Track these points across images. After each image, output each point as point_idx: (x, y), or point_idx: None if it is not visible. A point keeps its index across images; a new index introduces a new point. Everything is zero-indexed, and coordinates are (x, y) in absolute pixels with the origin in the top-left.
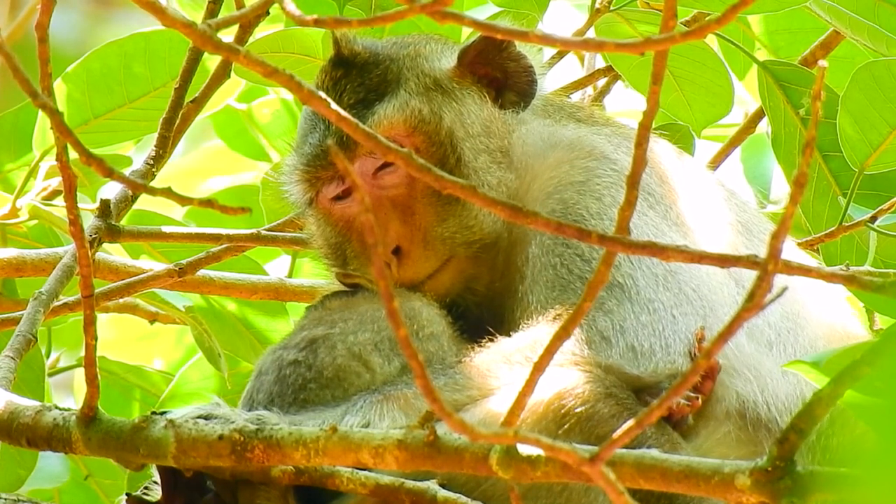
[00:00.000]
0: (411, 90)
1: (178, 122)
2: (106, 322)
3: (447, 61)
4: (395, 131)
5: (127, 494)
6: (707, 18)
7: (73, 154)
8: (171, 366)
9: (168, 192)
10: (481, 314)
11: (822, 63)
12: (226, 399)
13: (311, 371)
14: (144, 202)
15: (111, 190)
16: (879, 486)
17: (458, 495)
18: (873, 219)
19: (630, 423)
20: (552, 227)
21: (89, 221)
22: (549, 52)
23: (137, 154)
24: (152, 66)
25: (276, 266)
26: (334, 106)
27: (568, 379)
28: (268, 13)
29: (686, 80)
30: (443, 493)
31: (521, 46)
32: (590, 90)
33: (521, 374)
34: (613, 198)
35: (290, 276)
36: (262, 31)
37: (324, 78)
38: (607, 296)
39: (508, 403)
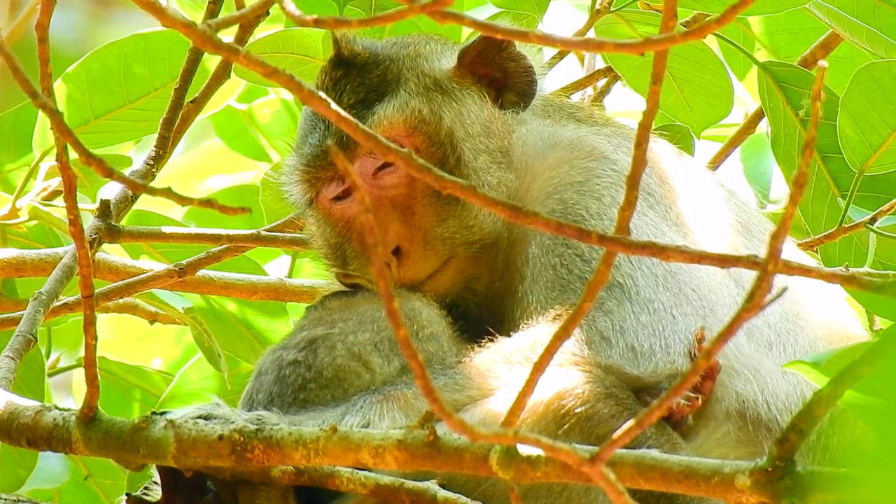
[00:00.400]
0: (411, 90)
1: (178, 122)
2: (106, 322)
3: (447, 61)
4: (395, 131)
5: (127, 494)
6: (707, 19)
7: (73, 154)
8: (170, 366)
9: (168, 193)
10: (481, 314)
11: (822, 64)
12: (226, 399)
13: (310, 371)
14: (144, 202)
15: (111, 190)
16: (879, 486)
17: (457, 495)
18: (873, 220)
19: (630, 423)
20: (552, 227)
21: (89, 222)
22: (549, 52)
23: (137, 154)
24: (152, 67)
25: (276, 266)
26: (334, 106)
27: (568, 379)
28: (268, 13)
29: (686, 81)
30: (443, 494)
31: (521, 47)
32: (590, 90)
33: (521, 375)
34: (613, 198)
35: (289, 276)
36: (262, 31)
37: (324, 78)
38: (607, 296)
39: (508, 403)
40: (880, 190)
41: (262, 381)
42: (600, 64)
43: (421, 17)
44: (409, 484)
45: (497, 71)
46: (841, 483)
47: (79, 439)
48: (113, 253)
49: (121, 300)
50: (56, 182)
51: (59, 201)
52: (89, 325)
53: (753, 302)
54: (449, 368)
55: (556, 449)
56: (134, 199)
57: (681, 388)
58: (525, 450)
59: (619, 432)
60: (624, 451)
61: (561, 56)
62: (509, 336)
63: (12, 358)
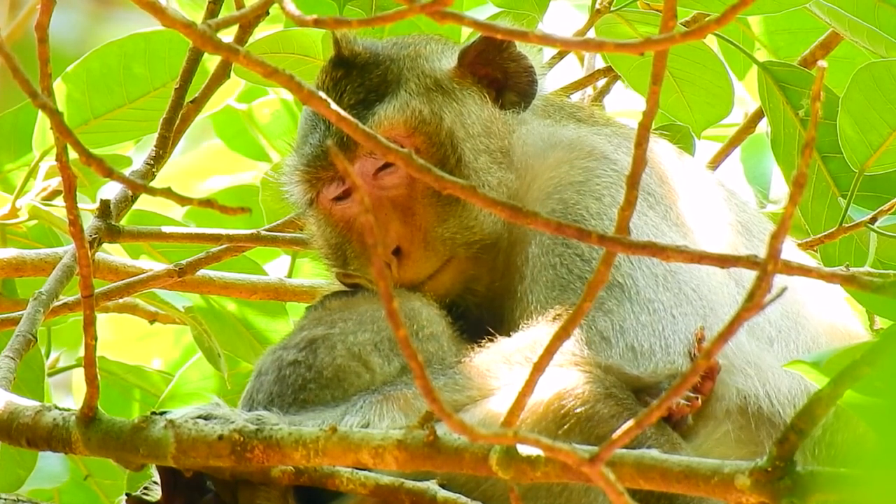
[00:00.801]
0: (412, 91)
1: (177, 122)
2: (105, 322)
3: (447, 62)
4: (395, 132)
5: (127, 494)
6: (707, 19)
7: (72, 154)
8: (170, 366)
9: (168, 192)
10: (481, 314)
11: (822, 64)
12: (225, 399)
13: (310, 371)
14: (144, 202)
15: (111, 190)
16: (879, 486)
17: (457, 495)
18: (873, 220)
19: (630, 423)
20: (552, 227)
21: (89, 221)
22: (550, 52)
23: (137, 154)
24: (152, 67)
25: (276, 266)
26: (334, 106)
27: (568, 379)
28: (268, 13)
29: (686, 81)
30: (442, 494)
31: (521, 47)
32: (589, 90)
33: (520, 375)
34: (613, 198)
35: (289, 276)
36: (261, 31)
37: (324, 78)
38: (607, 296)
39: (508, 404)
40: (880, 189)
41: (262, 381)
42: (600, 64)
43: (421, 17)
44: (409, 484)
45: (497, 71)
46: (841, 483)
47: (79, 439)
48: (113, 253)
49: (121, 300)
50: (56, 182)
51: (59, 201)
52: (89, 325)
53: (753, 302)
54: (449, 368)
55: (556, 449)
56: (134, 199)
57: (681, 388)
58: (525, 450)
59: (618, 432)
60: (624, 451)
61: (561, 56)
62: (509, 336)
63: (12, 358)
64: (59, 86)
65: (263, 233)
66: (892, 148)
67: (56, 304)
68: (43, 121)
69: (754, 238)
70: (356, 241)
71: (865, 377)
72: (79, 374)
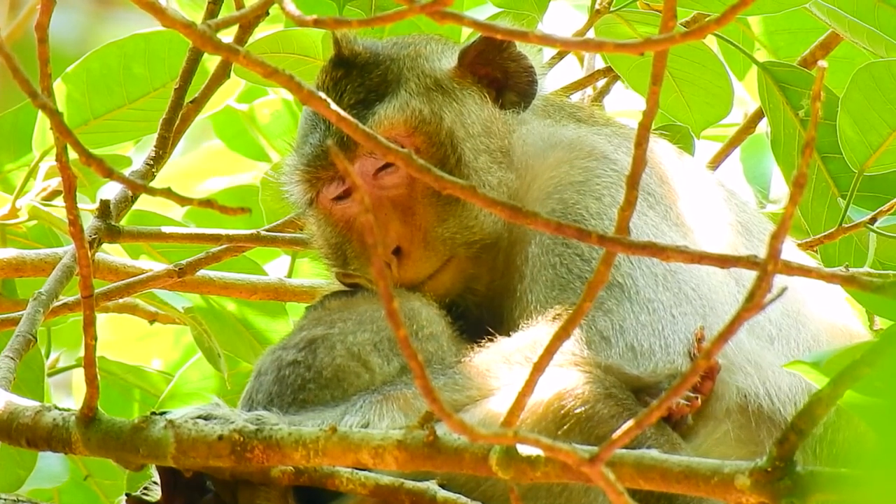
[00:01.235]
0: (412, 90)
1: (177, 122)
2: (105, 322)
3: (447, 61)
4: (395, 132)
5: (127, 494)
6: (707, 19)
7: (72, 154)
8: (170, 366)
9: (168, 193)
10: (481, 314)
11: (822, 64)
12: (225, 399)
13: (310, 371)
14: (144, 202)
15: (111, 190)
16: (879, 486)
17: (457, 495)
18: (873, 220)
19: (630, 423)
20: (552, 227)
21: (89, 222)
22: (549, 52)
23: (137, 154)
24: (152, 67)
25: (276, 266)
26: (334, 106)
27: (568, 379)
28: (267, 13)
29: (686, 81)
30: (442, 494)
31: (521, 47)
32: (589, 90)
33: (520, 375)
34: (613, 198)
35: (289, 276)
36: (261, 31)
37: (324, 78)
38: (607, 296)
39: (508, 404)
40: (880, 190)
41: (261, 382)
42: (600, 64)
43: (421, 17)
44: (409, 484)
45: (497, 71)
46: (841, 483)
47: (78, 439)
48: (113, 253)
49: (121, 300)
50: (56, 182)
51: (59, 201)
52: (89, 325)
53: (753, 302)
54: (448, 368)
55: (556, 449)
56: (134, 199)
57: (680, 388)
58: (525, 450)
59: (618, 432)
60: (624, 451)
61: (561, 56)
62: (509, 336)
63: (12, 358)
64: (59, 86)
65: (263, 233)
66: (891, 148)
67: (56, 304)
68: (43, 121)
69: (754, 238)
70: (356, 241)
71: (865, 377)
72: (79, 374)
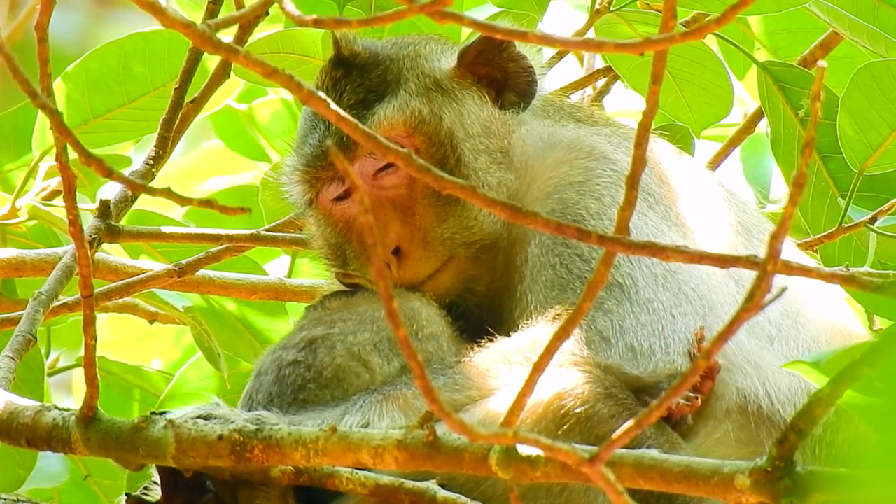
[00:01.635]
0: (411, 91)
1: (177, 122)
2: (105, 322)
3: (447, 62)
4: (395, 132)
5: (126, 494)
6: (706, 19)
7: (72, 154)
8: (170, 366)
9: (168, 193)
10: (481, 314)
11: (822, 64)
12: (225, 399)
13: (310, 371)
14: (144, 202)
15: (111, 190)
16: (879, 486)
17: (457, 495)
18: (873, 220)
19: (629, 423)
20: (552, 227)
21: (89, 221)
22: (549, 52)
23: (137, 154)
24: (152, 67)
25: (276, 266)
26: (334, 106)
27: (567, 379)
28: (267, 13)
29: (685, 81)
30: (442, 494)
31: (520, 47)
32: (589, 90)
33: (520, 375)
34: (613, 198)
35: (289, 276)
36: (261, 31)
37: (324, 78)
38: (607, 296)
39: (508, 404)
40: (880, 189)
41: (261, 381)
42: (600, 64)
43: (421, 17)
44: (409, 484)
45: (497, 71)
46: (841, 483)
47: (78, 439)
48: (113, 253)
49: (121, 300)
50: (56, 182)
51: (59, 201)
52: (89, 325)
53: (753, 302)
54: (448, 368)
55: (556, 449)
56: (134, 199)
57: (680, 388)
58: (525, 450)
59: (618, 432)
60: (623, 451)
61: (560, 56)
62: (509, 336)
63: (12, 358)
64: (58, 86)
65: (263, 233)
66: (891, 148)
67: (56, 304)
68: (43, 121)
69: (754, 238)
70: (356, 241)
71: (865, 377)
72: (79, 374)
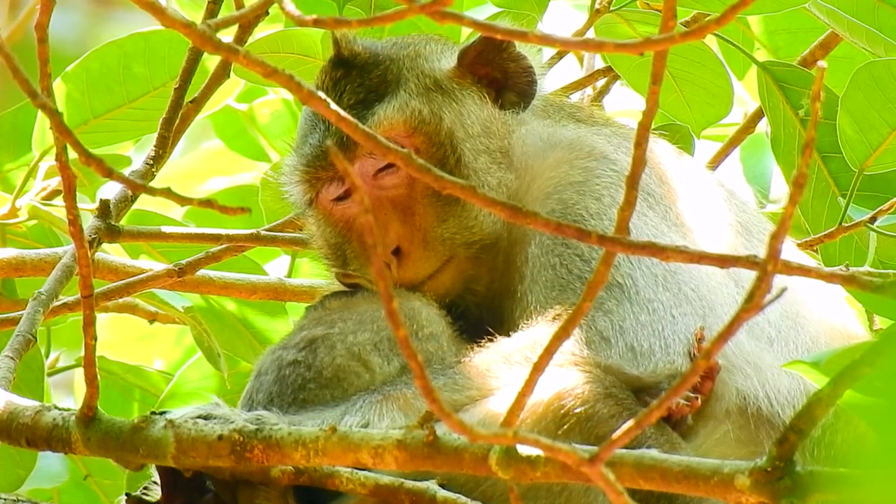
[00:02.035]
0: (411, 91)
1: (177, 122)
2: (105, 322)
3: (447, 62)
4: (395, 132)
5: (126, 494)
6: (706, 19)
7: (72, 154)
8: (170, 366)
9: (167, 193)
10: (481, 314)
11: (822, 64)
12: (225, 399)
13: (310, 371)
14: (144, 202)
15: (111, 190)
16: (879, 486)
17: (457, 495)
18: (873, 219)
19: (629, 423)
20: (552, 228)
21: (89, 221)
22: (549, 52)
23: (137, 154)
24: (152, 66)
25: (276, 266)
26: (334, 106)
27: (567, 379)
28: (267, 13)
29: (685, 81)
30: (442, 493)
31: (520, 47)
32: (589, 90)
33: (520, 375)
34: (613, 198)
35: (289, 276)
36: (261, 31)
37: (324, 78)
38: (607, 296)
39: (508, 404)
40: (880, 189)
41: (261, 381)
42: (600, 64)
43: (421, 17)
44: (409, 484)
45: (497, 71)
46: (841, 483)
47: (78, 439)
48: (113, 253)
49: (121, 300)
50: (56, 182)
51: (59, 201)
52: (89, 325)
53: (753, 302)
54: (448, 368)
55: (556, 449)
56: (133, 199)
57: (680, 388)
58: (524, 450)
59: (618, 432)
60: (623, 451)
61: (560, 56)
62: (509, 336)
63: (12, 358)
64: (58, 86)
65: (263, 233)
66: (891, 147)
67: (56, 304)
68: (43, 121)
69: (754, 238)
70: (356, 241)
71: (865, 377)
72: (79, 374)
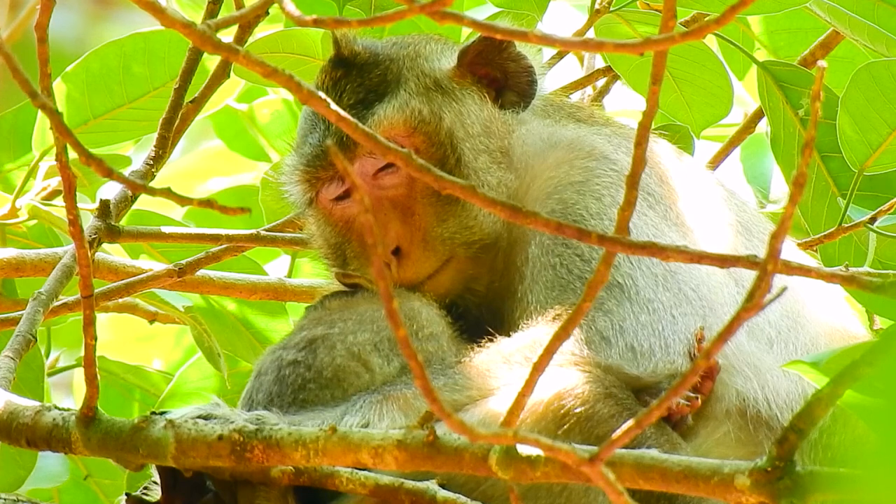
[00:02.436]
0: (411, 90)
1: (177, 122)
2: (105, 322)
3: (447, 61)
4: (395, 132)
5: (126, 494)
6: (706, 19)
7: (72, 154)
8: (170, 366)
9: (167, 193)
10: (481, 314)
11: (822, 63)
12: (225, 399)
13: (310, 371)
14: (144, 202)
15: (111, 190)
16: (879, 486)
17: (457, 495)
18: (872, 220)
19: (629, 423)
20: (552, 227)
21: (89, 221)
22: (549, 52)
23: (137, 154)
24: (152, 66)
25: (276, 266)
26: (334, 106)
27: (567, 379)
28: (267, 13)
29: (685, 81)
30: (442, 494)
31: (520, 47)
32: (589, 90)
33: (520, 375)
34: (613, 198)
35: (289, 276)
36: (261, 31)
37: (324, 78)
38: (607, 296)
39: (508, 404)
40: (880, 189)
41: (261, 381)
42: (600, 64)
43: (421, 17)
44: (409, 484)
45: (497, 71)
46: (841, 483)
47: (78, 439)
48: (113, 253)
49: (121, 300)
50: (56, 182)
51: (59, 201)
52: (89, 325)
53: (753, 302)
54: (448, 368)
55: (556, 449)
56: (133, 199)
57: (680, 388)
58: (524, 450)
59: (618, 432)
60: (623, 451)
61: (560, 56)
62: (509, 336)
63: (12, 358)
64: (58, 86)
65: (263, 233)
66: (891, 147)
67: (56, 304)
68: (43, 121)
69: (754, 238)
70: (356, 241)
71: (865, 377)
72: (79, 374)
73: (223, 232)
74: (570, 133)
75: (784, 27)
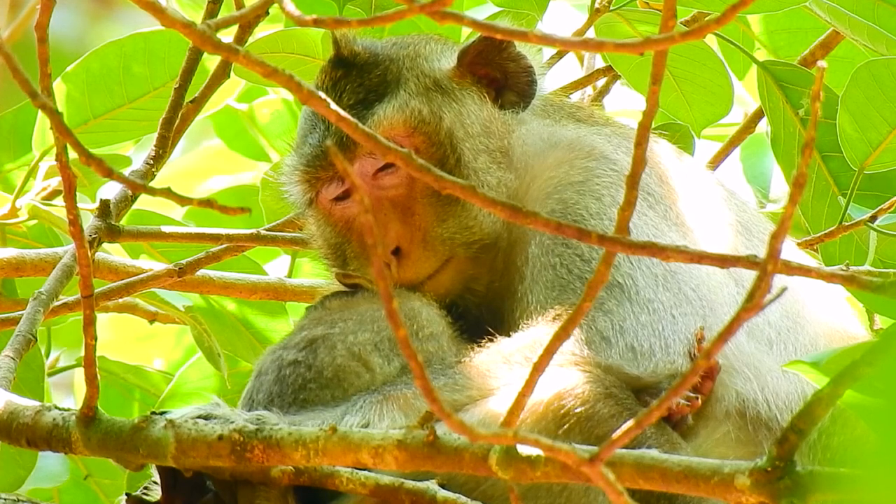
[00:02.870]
0: (411, 90)
1: (177, 122)
2: (105, 322)
3: (447, 61)
4: (394, 132)
5: (126, 494)
6: (706, 18)
7: (72, 154)
8: (170, 366)
9: (167, 192)
10: (481, 314)
11: (822, 63)
12: (225, 399)
13: (310, 371)
14: (144, 202)
15: (111, 190)
16: (879, 486)
17: (457, 495)
18: (873, 218)
19: (630, 423)
20: (552, 227)
21: (89, 221)
22: (549, 52)
23: (137, 154)
24: (152, 66)
25: (276, 266)
26: (334, 106)
27: (568, 379)
28: (267, 13)
29: (685, 80)
30: (442, 494)
31: (520, 46)
32: (589, 90)
33: (520, 375)
34: (613, 198)
35: (289, 276)
36: (261, 31)
37: (323, 78)
38: (607, 296)
39: (508, 404)
40: (880, 188)
41: (261, 381)
42: (600, 63)
43: (421, 17)
44: (409, 484)
45: (497, 71)
46: (841, 483)
47: (78, 439)
48: (113, 253)
49: (121, 300)
50: (56, 182)
51: (59, 201)
52: (89, 324)
53: (753, 302)
54: (449, 368)
55: (556, 449)
56: (134, 198)
57: (680, 388)
58: (525, 450)
59: (618, 432)
60: (624, 451)
61: (560, 56)
62: (509, 336)
63: (12, 358)
64: (58, 86)
65: (263, 233)
66: (891, 146)
67: (56, 304)
68: (43, 121)
69: (754, 238)
70: (356, 241)
71: (865, 377)
72: (79, 374)
73: (223, 232)
74: (569, 133)
75: (784, 27)
